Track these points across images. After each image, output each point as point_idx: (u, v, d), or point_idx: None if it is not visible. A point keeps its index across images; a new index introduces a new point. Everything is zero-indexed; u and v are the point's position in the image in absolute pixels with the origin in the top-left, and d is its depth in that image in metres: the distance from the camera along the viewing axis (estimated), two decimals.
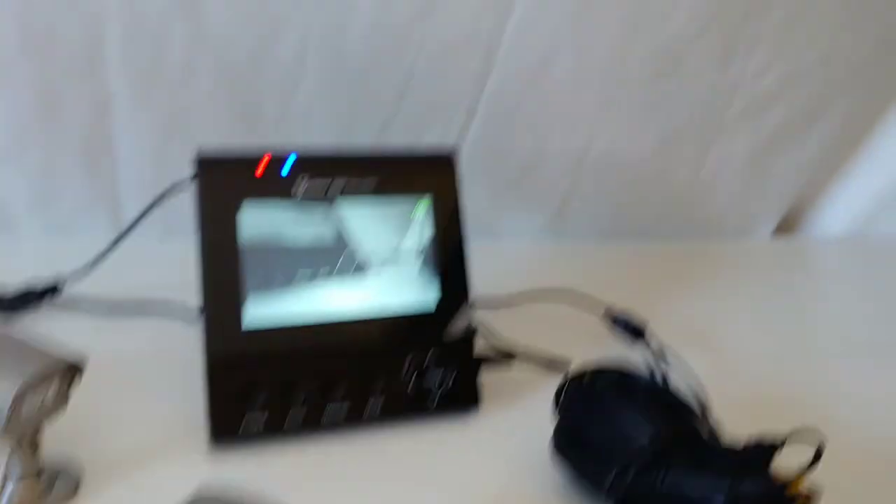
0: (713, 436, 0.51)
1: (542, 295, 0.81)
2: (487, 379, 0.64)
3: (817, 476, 0.45)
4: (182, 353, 0.62)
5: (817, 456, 0.46)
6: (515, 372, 0.68)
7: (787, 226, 1.19)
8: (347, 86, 0.82)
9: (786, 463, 0.47)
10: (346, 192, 0.60)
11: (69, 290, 0.76)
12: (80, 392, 0.49)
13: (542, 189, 0.98)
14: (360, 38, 0.80)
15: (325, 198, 0.59)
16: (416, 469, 0.56)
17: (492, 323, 0.74)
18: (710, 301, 0.90)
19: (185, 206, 0.58)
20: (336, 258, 0.59)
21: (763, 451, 0.48)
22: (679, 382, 0.65)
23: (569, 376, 0.55)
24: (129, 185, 0.88)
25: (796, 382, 0.71)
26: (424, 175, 0.63)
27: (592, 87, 0.91)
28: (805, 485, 0.48)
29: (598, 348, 0.73)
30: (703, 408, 0.58)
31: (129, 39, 0.80)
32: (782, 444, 0.48)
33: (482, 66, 0.85)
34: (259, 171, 0.58)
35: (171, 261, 0.68)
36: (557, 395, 0.55)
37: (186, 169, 0.57)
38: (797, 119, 1.05)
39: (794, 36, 0.97)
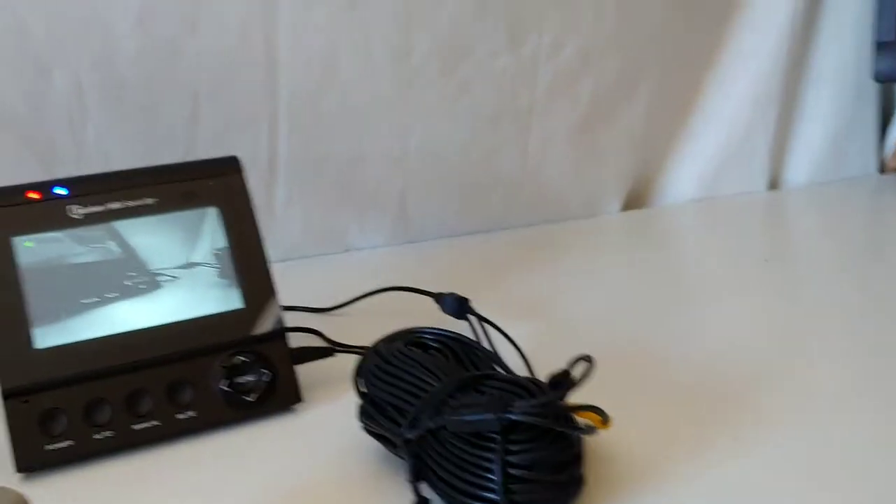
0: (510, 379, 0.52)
1: (376, 296, 0.82)
2: (314, 375, 0.65)
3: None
4: None
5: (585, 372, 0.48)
6: (344, 365, 0.69)
7: (638, 198, 1.20)
8: (137, 113, 0.82)
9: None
10: (126, 213, 0.60)
11: None
12: None
13: (375, 194, 0.98)
14: (131, 65, 0.80)
15: (104, 221, 0.60)
16: (237, 473, 0.56)
17: (323, 325, 0.75)
18: (548, 279, 0.92)
19: None
20: (124, 277, 0.59)
21: (557, 382, 0.50)
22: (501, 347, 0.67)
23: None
24: None
25: (624, 337, 0.75)
26: (208, 184, 0.63)
27: (385, 84, 0.92)
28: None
29: None
30: (498, 356, 0.60)
31: None
32: (565, 372, 0.50)
33: (268, 76, 0.86)
34: (30, 202, 0.58)
35: None
36: (356, 373, 0.56)
37: None
38: (611, 90, 1.07)
39: (581, 10, 0.99)
